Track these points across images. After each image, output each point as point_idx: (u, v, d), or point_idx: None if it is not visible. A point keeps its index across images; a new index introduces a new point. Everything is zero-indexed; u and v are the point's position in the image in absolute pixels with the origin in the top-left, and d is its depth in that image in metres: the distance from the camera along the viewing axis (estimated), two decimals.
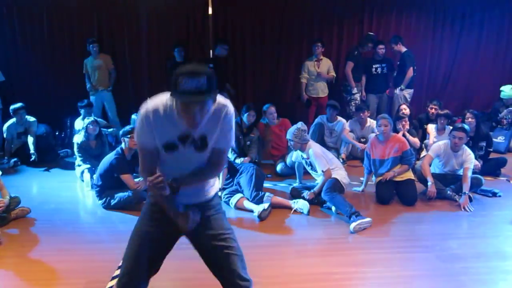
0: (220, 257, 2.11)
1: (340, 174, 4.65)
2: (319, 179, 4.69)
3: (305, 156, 4.77)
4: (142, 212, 2.20)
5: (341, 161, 5.72)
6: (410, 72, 7.11)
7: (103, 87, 7.28)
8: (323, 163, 4.58)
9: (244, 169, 4.84)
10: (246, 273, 2.13)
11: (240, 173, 4.81)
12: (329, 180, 4.52)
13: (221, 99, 1.98)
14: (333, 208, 4.46)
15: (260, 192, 4.60)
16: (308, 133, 6.60)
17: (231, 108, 2.01)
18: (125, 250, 2.12)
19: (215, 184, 2.24)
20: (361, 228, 4.03)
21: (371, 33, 7.43)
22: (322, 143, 6.56)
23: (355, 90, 7.21)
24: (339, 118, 6.62)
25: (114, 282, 3.10)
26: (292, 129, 4.78)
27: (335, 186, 4.48)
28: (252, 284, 2.13)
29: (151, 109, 1.92)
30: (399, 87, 7.19)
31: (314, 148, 4.70)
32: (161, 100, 1.95)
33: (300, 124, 4.80)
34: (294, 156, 5.10)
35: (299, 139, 4.68)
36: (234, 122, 2.07)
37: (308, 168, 4.85)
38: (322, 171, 4.56)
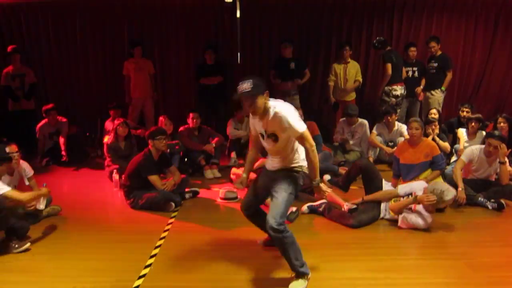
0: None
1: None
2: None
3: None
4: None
5: None
6: (451, 74, 7.02)
7: (141, 91, 7.27)
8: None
9: None
10: (274, 218, 2.86)
11: None
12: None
13: (278, 108, 2.95)
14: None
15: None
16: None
17: (280, 110, 2.94)
18: None
19: (290, 160, 3.11)
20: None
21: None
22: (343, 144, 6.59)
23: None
24: (360, 119, 6.57)
25: (141, 281, 3.15)
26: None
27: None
28: (275, 228, 2.82)
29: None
30: (439, 89, 7.05)
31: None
32: None
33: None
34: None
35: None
36: (292, 115, 2.92)
37: None
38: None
